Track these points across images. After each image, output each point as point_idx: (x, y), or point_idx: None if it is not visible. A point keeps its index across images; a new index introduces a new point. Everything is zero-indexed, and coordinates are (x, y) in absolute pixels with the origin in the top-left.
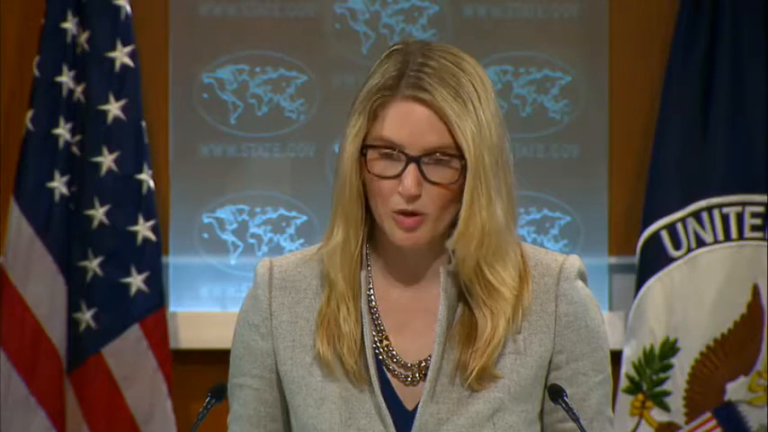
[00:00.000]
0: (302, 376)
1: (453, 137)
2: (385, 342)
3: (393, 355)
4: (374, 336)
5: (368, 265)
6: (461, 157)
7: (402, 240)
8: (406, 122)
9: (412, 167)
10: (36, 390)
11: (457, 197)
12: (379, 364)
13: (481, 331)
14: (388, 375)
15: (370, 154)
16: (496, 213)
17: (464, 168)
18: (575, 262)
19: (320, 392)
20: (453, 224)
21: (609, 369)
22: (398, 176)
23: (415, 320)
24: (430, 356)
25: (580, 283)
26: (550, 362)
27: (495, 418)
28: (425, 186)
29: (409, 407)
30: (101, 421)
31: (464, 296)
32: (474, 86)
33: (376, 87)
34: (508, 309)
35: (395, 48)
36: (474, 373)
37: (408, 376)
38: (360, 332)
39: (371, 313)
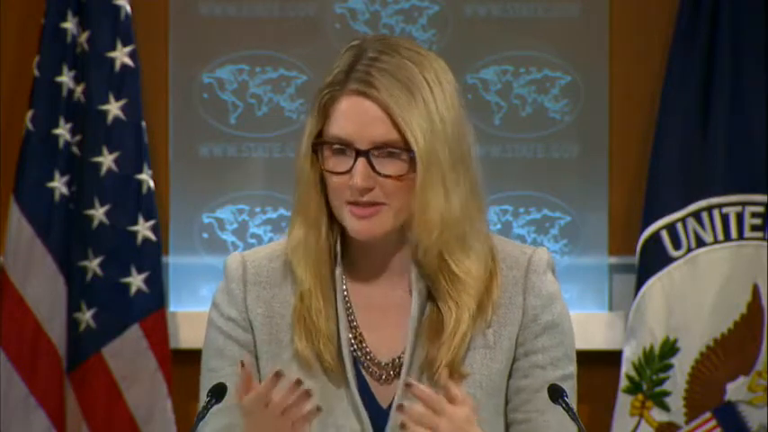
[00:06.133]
0: None
1: (401, 130)
2: (359, 339)
3: (367, 352)
4: (349, 333)
5: (339, 262)
6: (410, 149)
7: (358, 232)
8: (352, 117)
9: (361, 161)
10: (36, 390)
11: (413, 189)
12: (355, 362)
13: (446, 325)
14: (364, 373)
15: (324, 151)
16: (454, 204)
17: (414, 160)
18: (543, 255)
19: None
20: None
21: (572, 368)
22: (350, 171)
23: (386, 317)
24: (403, 354)
25: (550, 277)
26: (515, 353)
27: None
28: (378, 179)
29: (384, 405)
30: (101, 421)
31: (431, 291)
32: (426, 80)
33: (326, 83)
34: (471, 301)
35: (352, 44)
36: (441, 370)
37: (383, 374)
38: (334, 329)
39: (346, 310)
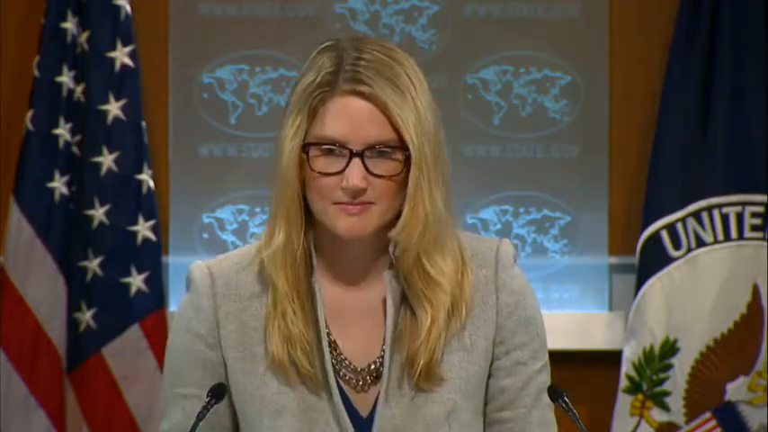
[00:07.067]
0: (256, 387)
1: (394, 128)
2: (333, 346)
3: (343, 359)
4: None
5: (315, 268)
6: (403, 148)
7: (347, 230)
8: (346, 117)
9: (356, 162)
10: (36, 390)
11: (401, 188)
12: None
13: (422, 325)
14: (340, 381)
15: (312, 152)
16: (437, 204)
17: (407, 159)
18: (508, 248)
19: (277, 403)
20: (394, 218)
21: (547, 356)
22: (342, 172)
23: (359, 323)
24: (378, 359)
25: (517, 270)
26: (493, 353)
27: (451, 419)
28: (370, 179)
29: (363, 413)
30: (101, 421)
31: (405, 294)
32: (410, 77)
33: (313, 85)
34: (447, 300)
35: (326, 45)
36: (420, 371)
37: (359, 381)
38: (311, 335)
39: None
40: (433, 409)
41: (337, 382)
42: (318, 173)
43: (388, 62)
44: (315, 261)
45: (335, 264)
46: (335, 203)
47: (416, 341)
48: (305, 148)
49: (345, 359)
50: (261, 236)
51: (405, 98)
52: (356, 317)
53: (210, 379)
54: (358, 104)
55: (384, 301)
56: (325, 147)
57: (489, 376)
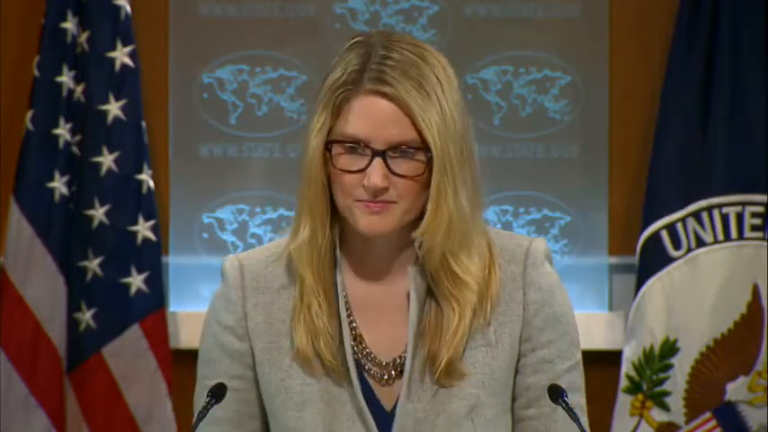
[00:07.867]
0: (281, 379)
1: (418, 130)
2: (359, 340)
3: (368, 353)
4: (349, 334)
5: (339, 262)
6: (427, 149)
7: (367, 227)
8: (369, 117)
9: (377, 161)
10: (36, 390)
11: (425, 188)
12: (356, 363)
13: (448, 323)
14: (365, 375)
15: (335, 149)
16: (462, 204)
17: (430, 160)
18: (540, 246)
19: (301, 395)
20: (419, 216)
21: (579, 355)
22: (364, 170)
23: (385, 317)
24: (403, 354)
25: (547, 268)
26: (519, 349)
27: (473, 414)
28: (392, 179)
29: (387, 407)
30: (101, 421)
31: (431, 290)
32: (437, 77)
33: (339, 82)
34: (474, 298)
35: (357, 40)
36: (442, 367)
37: (384, 375)
38: (335, 328)
39: (346, 310)
40: (454, 404)
41: (363, 376)
42: (341, 170)
43: (415, 61)
44: (339, 255)
45: (361, 258)
46: (358, 200)
47: (441, 339)
48: (328, 145)
49: (371, 353)
50: (288, 230)
51: (429, 100)
52: (382, 311)
53: (239, 370)
54: (381, 104)
55: (409, 296)
56: (347, 144)
57: (516, 373)
